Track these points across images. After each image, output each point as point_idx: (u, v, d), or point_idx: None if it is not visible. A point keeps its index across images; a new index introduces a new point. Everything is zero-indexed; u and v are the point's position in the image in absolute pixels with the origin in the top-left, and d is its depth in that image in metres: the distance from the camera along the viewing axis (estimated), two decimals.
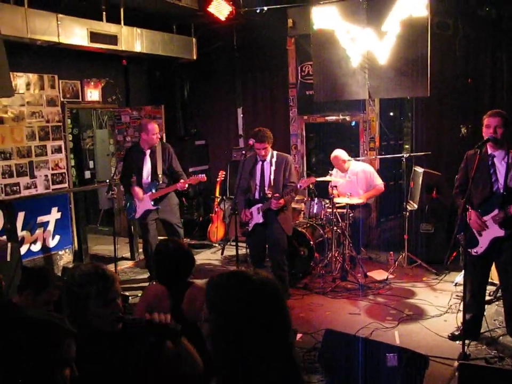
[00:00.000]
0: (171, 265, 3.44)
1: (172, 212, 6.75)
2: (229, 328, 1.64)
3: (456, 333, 4.95)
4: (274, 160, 5.95)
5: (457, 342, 4.74)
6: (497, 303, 5.64)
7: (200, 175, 6.61)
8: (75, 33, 6.94)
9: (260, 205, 5.93)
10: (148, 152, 6.61)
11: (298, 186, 5.85)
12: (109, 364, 2.38)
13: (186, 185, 6.54)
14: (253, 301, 1.65)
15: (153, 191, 6.54)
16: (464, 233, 4.58)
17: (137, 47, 7.87)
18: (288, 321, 1.72)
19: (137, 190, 6.53)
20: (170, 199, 6.74)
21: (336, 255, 6.88)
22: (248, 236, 6.17)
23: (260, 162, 5.98)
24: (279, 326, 1.68)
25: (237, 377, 1.64)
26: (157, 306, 3.19)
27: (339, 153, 7.26)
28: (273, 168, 5.92)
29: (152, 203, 6.54)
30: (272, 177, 5.91)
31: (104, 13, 7.34)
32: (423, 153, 7.33)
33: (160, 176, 6.58)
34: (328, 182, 7.01)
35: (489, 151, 4.59)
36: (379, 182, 7.25)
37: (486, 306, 5.50)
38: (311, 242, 6.72)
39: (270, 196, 5.82)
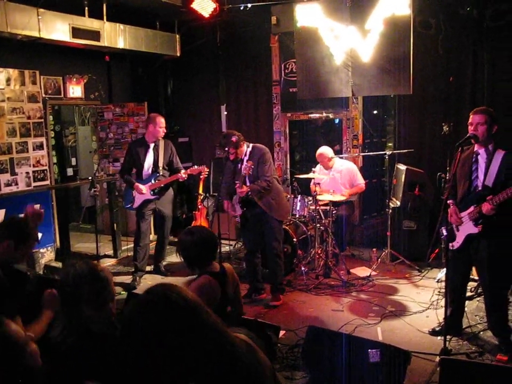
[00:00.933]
0: (206, 250, 3.56)
1: (168, 205, 6.98)
2: (149, 347, 1.60)
3: (437, 329, 4.99)
4: (249, 150, 5.90)
5: (439, 337, 4.77)
6: (478, 299, 5.69)
7: (201, 166, 6.88)
8: (57, 28, 6.89)
9: (235, 196, 5.99)
10: (152, 145, 6.78)
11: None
12: (106, 365, 2.31)
13: (186, 176, 6.74)
14: (170, 318, 1.62)
15: (153, 181, 6.71)
16: (446, 227, 4.63)
17: (120, 43, 7.83)
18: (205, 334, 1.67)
19: (141, 187, 6.66)
20: (168, 193, 6.96)
21: (319, 252, 6.90)
22: (242, 226, 6.20)
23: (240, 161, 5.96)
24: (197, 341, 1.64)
25: None
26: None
27: (324, 150, 7.29)
28: (246, 158, 5.87)
29: (152, 193, 6.71)
30: (243, 167, 5.86)
31: (86, 8, 7.29)
32: (405, 150, 7.38)
33: (161, 169, 6.77)
34: (311, 179, 7.03)
35: (476, 148, 4.62)
36: (361, 181, 7.30)
37: (467, 302, 5.57)
38: (294, 240, 6.72)
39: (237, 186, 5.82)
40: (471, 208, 4.54)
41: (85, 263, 2.57)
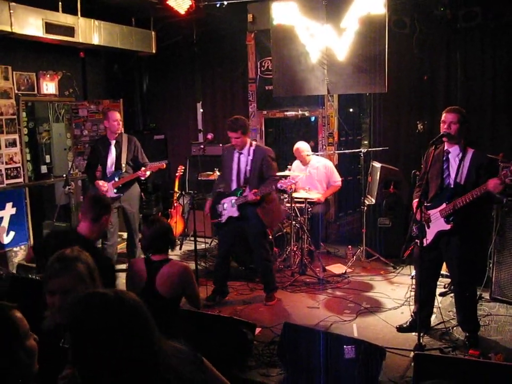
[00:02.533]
0: (161, 237, 3.87)
1: (132, 202, 6.84)
2: (92, 350, 1.63)
3: (404, 325, 5.06)
4: (252, 149, 5.72)
5: (414, 333, 4.81)
6: (451, 295, 5.76)
7: (160, 162, 6.68)
8: (29, 23, 6.78)
9: (234, 198, 5.73)
10: (113, 142, 6.71)
11: (279, 185, 5.53)
12: None
13: (148, 173, 6.60)
14: (113, 321, 1.64)
15: (116, 179, 6.61)
16: (416, 225, 4.69)
17: (95, 40, 7.75)
18: (151, 336, 1.71)
19: (101, 183, 6.58)
20: (133, 190, 6.82)
21: (295, 249, 6.92)
22: (220, 228, 6.01)
23: (237, 154, 5.77)
24: (141, 342, 1.68)
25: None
26: (137, 282, 3.83)
27: (301, 145, 7.34)
28: (250, 158, 5.70)
29: (115, 191, 6.59)
30: (248, 168, 5.69)
31: (60, 3, 7.18)
32: (380, 148, 7.45)
33: (124, 165, 6.66)
34: (287, 176, 7.04)
35: (446, 147, 4.69)
36: (338, 179, 7.37)
37: (441, 298, 5.67)
38: (270, 237, 6.70)
39: (245, 189, 5.65)
40: (443, 205, 4.60)
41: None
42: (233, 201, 5.73)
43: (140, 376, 1.64)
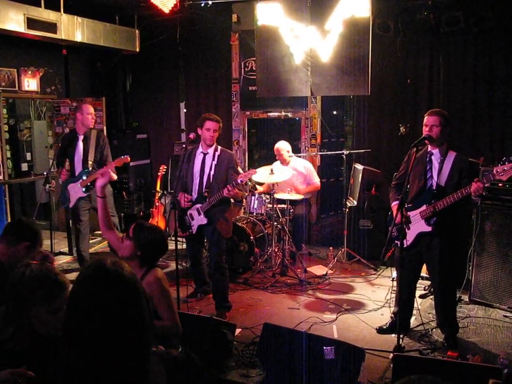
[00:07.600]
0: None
1: None
2: (85, 321, 1.63)
3: (384, 327, 5.09)
4: (217, 154, 5.49)
5: (393, 335, 4.83)
6: (431, 297, 5.80)
7: (123, 156, 6.38)
8: (10, 18, 6.70)
9: (199, 205, 5.48)
10: (81, 137, 6.59)
11: (239, 181, 5.27)
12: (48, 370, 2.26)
13: (113, 168, 6.31)
14: (109, 296, 1.65)
15: (84, 178, 6.48)
16: (396, 227, 4.70)
17: (78, 37, 7.69)
18: (145, 318, 1.70)
19: (64, 172, 6.54)
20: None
21: (276, 250, 6.92)
22: (191, 238, 5.74)
23: (201, 156, 5.53)
24: (134, 322, 1.67)
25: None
26: None
27: (281, 144, 7.35)
28: (214, 163, 5.48)
29: (84, 190, 6.47)
30: (212, 173, 5.45)
31: None
32: (363, 150, 7.48)
33: (91, 163, 6.51)
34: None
35: (429, 149, 4.72)
36: (317, 180, 7.37)
37: (421, 300, 5.71)
38: (251, 238, 6.71)
39: (207, 195, 5.42)
40: (423, 207, 4.63)
41: (41, 265, 2.50)
42: (198, 208, 5.50)
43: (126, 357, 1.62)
